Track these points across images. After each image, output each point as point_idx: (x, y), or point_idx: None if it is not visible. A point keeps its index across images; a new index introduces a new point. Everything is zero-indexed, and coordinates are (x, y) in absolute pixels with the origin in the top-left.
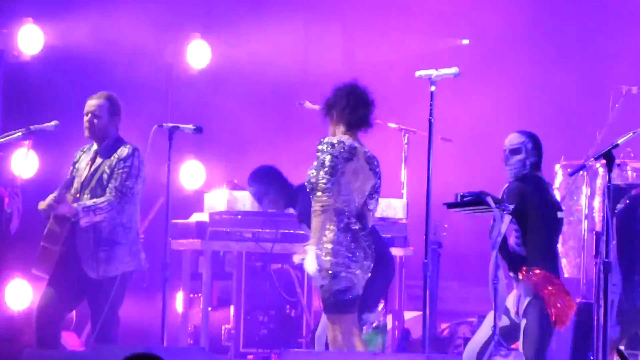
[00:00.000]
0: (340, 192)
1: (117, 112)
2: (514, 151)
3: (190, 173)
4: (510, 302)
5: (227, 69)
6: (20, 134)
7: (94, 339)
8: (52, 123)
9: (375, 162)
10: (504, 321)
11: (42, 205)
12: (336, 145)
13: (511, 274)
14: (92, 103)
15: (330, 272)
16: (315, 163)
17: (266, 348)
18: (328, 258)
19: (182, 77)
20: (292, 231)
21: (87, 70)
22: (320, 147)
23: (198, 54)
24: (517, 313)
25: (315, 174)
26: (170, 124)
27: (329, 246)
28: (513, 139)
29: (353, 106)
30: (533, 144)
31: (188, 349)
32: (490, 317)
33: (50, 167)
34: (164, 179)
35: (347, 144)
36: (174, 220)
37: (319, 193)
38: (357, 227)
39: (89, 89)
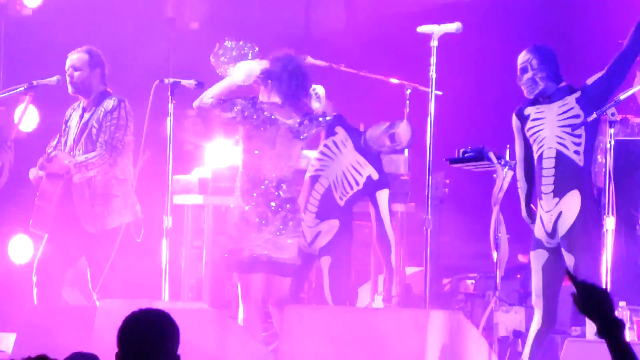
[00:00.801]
0: (246, 159)
1: (99, 64)
2: (523, 70)
3: (192, 128)
4: (539, 231)
5: (229, 23)
6: (22, 88)
7: (97, 294)
8: (54, 78)
9: (302, 129)
10: (543, 255)
11: (32, 172)
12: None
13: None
14: (71, 57)
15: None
16: None
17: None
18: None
19: (183, 32)
20: (297, 188)
21: (88, 24)
22: None
23: (198, 8)
24: (549, 235)
25: None
26: (172, 80)
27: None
28: (520, 57)
29: (289, 78)
30: (538, 59)
31: (189, 305)
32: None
33: (52, 122)
34: (166, 134)
35: (264, 112)
36: (175, 176)
37: None
38: (259, 192)
39: (91, 43)
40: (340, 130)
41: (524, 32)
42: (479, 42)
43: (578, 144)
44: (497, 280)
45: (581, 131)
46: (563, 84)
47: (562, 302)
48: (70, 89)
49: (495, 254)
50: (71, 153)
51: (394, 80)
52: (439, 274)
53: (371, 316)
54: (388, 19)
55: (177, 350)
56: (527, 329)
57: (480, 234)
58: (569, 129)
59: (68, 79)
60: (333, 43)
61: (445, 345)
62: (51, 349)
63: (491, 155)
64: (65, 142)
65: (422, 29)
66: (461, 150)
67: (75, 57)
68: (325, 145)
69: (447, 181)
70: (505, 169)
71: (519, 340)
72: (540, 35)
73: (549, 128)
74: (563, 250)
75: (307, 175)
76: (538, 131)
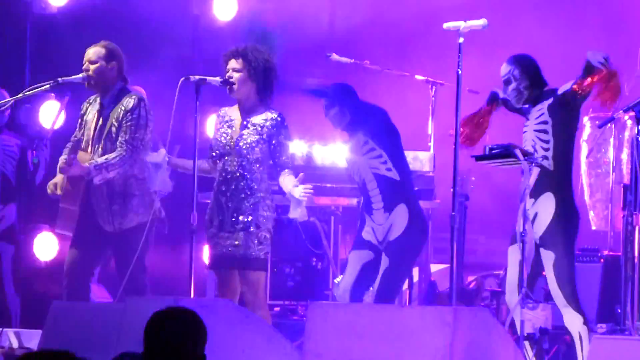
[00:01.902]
0: None
1: (115, 58)
2: (507, 82)
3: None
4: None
5: (254, 20)
6: (48, 86)
7: (123, 291)
8: (80, 75)
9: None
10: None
11: (50, 187)
12: None
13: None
14: (88, 52)
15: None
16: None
17: (293, 300)
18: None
19: (208, 29)
20: (318, 184)
21: (114, 21)
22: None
23: (225, 6)
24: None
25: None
26: (197, 77)
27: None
28: (502, 70)
29: (275, 81)
30: (519, 69)
31: (215, 301)
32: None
33: (67, 120)
34: (191, 131)
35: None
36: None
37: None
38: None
39: (116, 41)
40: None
41: (551, 28)
42: (505, 38)
43: (547, 149)
44: (523, 277)
45: (549, 137)
46: (547, 88)
47: (587, 300)
48: (87, 84)
49: (521, 251)
50: (89, 149)
51: (419, 77)
52: (464, 271)
53: (396, 313)
54: (413, 16)
55: (203, 349)
56: (554, 327)
57: (506, 230)
58: (540, 134)
59: (84, 73)
60: (358, 40)
61: (471, 343)
62: (77, 346)
63: (518, 152)
64: (82, 137)
65: (448, 25)
66: (487, 147)
67: (91, 51)
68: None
69: (473, 178)
70: (532, 166)
71: (545, 337)
72: (567, 29)
73: (529, 131)
74: (541, 249)
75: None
76: (523, 133)
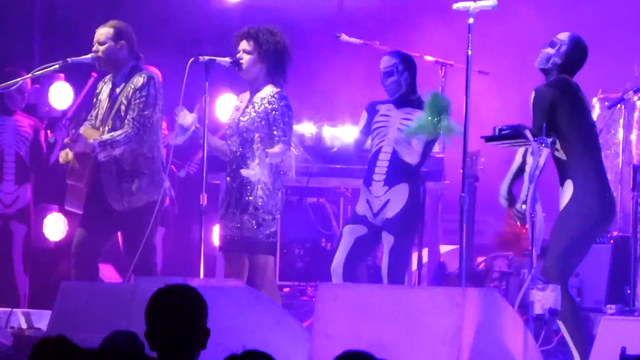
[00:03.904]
0: None
1: (123, 37)
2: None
3: (227, 106)
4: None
5: (264, 0)
6: (57, 66)
7: (132, 271)
8: (89, 55)
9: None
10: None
11: (62, 156)
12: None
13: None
14: (97, 33)
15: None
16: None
17: (302, 281)
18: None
19: (218, 8)
20: (328, 165)
21: (122, 1)
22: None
23: None
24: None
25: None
26: (207, 57)
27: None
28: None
29: (288, 63)
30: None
31: (225, 282)
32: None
33: (87, 100)
34: (200, 112)
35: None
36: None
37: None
38: None
39: (126, 21)
40: (381, 106)
41: (560, 7)
42: (515, 18)
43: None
44: (533, 259)
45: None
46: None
47: (596, 281)
48: (97, 64)
49: (530, 232)
50: (100, 128)
51: (428, 58)
52: (474, 252)
53: (406, 294)
54: None
55: (206, 323)
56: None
57: None
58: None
59: (93, 54)
60: (367, 20)
61: (481, 324)
62: (87, 327)
63: (527, 132)
64: (97, 116)
65: (458, 5)
66: (497, 128)
67: (99, 32)
68: (376, 122)
69: (483, 159)
70: (542, 147)
71: (555, 318)
72: (575, 10)
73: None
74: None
75: (370, 155)
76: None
